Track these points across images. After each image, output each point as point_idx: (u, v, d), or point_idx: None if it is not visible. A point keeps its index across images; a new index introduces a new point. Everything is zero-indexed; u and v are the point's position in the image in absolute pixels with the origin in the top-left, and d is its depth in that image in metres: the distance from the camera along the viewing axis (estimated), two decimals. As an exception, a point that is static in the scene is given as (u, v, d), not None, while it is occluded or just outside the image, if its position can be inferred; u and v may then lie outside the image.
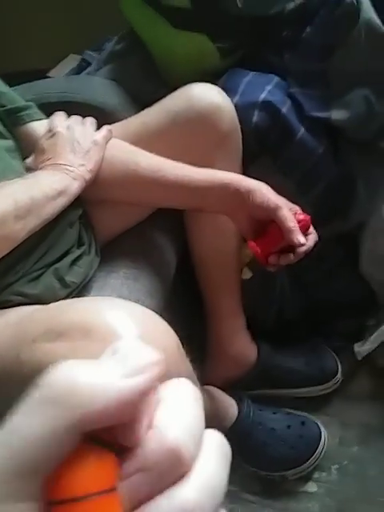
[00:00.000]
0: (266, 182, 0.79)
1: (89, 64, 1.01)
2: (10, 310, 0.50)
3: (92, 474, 0.14)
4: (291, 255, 0.59)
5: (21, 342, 0.43)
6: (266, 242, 0.59)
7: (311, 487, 0.72)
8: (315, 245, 0.63)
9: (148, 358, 0.15)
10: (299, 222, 0.58)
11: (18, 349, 0.43)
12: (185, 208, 0.69)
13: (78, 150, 0.58)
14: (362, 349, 0.85)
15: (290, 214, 0.57)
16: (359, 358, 0.83)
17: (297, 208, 0.61)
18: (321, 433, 0.74)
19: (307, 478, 0.73)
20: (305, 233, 0.59)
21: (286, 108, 0.75)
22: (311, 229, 0.61)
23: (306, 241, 0.58)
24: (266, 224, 0.59)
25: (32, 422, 0.13)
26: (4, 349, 0.44)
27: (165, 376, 0.16)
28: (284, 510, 0.70)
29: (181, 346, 0.46)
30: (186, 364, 0.47)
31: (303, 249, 0.58)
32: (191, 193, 0.59)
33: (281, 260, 0.59)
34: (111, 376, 0.14)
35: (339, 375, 0.82)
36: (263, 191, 0.58)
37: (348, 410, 0.80)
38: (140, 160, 0.60)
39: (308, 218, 0.59)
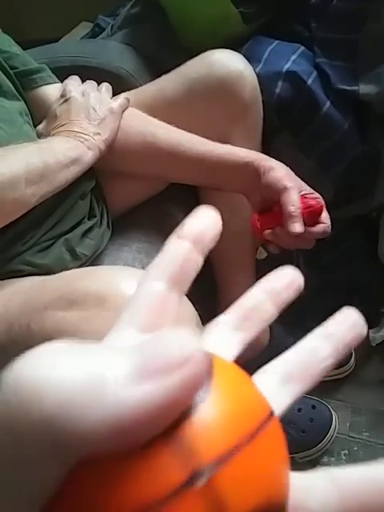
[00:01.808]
0: (286, 159, 0.76)
1: (103, 29, 0.96)
2: (21, 278, 0.48)
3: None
4: (287, 238, 0.54)
5: (32, 310, 0.41)
6: (267, 218, 0.56)
7: (320, 471, 0.72)
8: (331, 230, 0.58)
9: (178, 348, 0.10)
10: (307, 207, 0.54)
11: (28, 317, 0.41)
12: (202, 186, 0.67)
13: (93, 117, 0.55)
14: (377, 335, 0.83)
15: (295, 198, 0.52)
16: (373, 345, 0.82)
17: (313, 193, 0.56)
18: (332, 417, 0.73)
19: (316, 462, 0.72)
20: (313, 220, 0.55)
21: (311, 79, 0.71)
22: (324, 216, 0.56)
23: (301, 230, 0.52)
24: (275, 203, 0.56)
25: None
26: (13, 317, 0.43)
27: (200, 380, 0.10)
28: (291, 493, 0.69)
29: (200, 320, 0.44)
30: None
31: (296, 238, 0.53)
32: (210, 170, 0.57)
33: (275, 239, 0.55)
34: (111, 378, 0.09)
35: (352, 360, 0.81)
36: (278, 171, 0.54)
37: (359, 395, 0.79)
38: (159, 132, 0.57)
39: (319, 205, 0.54)
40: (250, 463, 0.11)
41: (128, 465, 0.10)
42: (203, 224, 0.15)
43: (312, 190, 0.57)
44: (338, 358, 0.15)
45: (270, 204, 0.57)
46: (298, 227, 0.51)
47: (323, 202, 0.55)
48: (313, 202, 0.54)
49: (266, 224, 0.57)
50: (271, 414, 0.13)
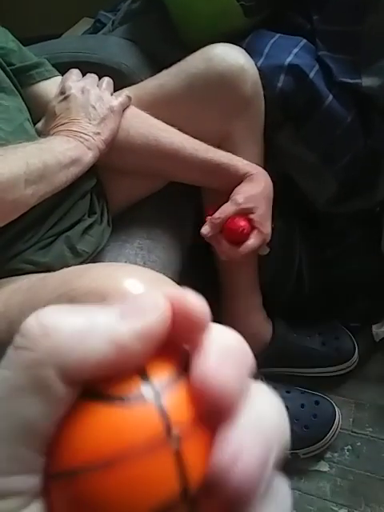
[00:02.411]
0: (289, 153, 0.75)
1: (104, 25, 0.95)
2: (21, 276, 0.48)
3: (103, 436, 0.12)
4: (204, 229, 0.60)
5: (32, 308, 0.41)
6: (213, 208, 0.60)
7: (323, 467, 0.72)
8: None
9: (151, 300, 0.13)
10: (233, 221, 0.59)
11: (28, 315, 0.41)
12: (201, 186, 0.68)
13: (94, 116, 0.55)
14: (380, 330, 0.83)
15: (227, 211, 0.58)
16: (377, 340, 0.81)
17: (261, 228, 0.60)
18: (335, 413, 0.73)
19: (319, 458, 0.72)
20: (234, 239, 0.59)
21: (313, 72, 0.70)
22: (245, 245, 0.59)
23: (205, 233, 0.59)
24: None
25: (9, 373, 0.12)
26: (14, 315, 0.42)
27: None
28: (295, 489, 0.69)
29: None
30: None
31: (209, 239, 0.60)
32: (210, 175, 0.59)
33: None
34: (102, 317, 0.12)
35: (355, 356, 0.80)
36: (250, 187, 0.59)
37: (363, 391, 0.79)
38: (161, 136, 0.58)
39: (245, 228, 0.58)
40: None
41: (116, 411, 0.12)
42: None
43: (265, 226, 0.60)
44: None
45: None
46: (204, 230, 0.59)
47: (248, 229, 0.59)
48: (242, 223, 0.58)
49: (208, 211, 0.62)
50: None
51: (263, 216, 0.59)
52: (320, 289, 0.85)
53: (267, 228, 0.60)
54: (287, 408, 0.72)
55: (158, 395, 0.12)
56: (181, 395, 0.12)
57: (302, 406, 0.73)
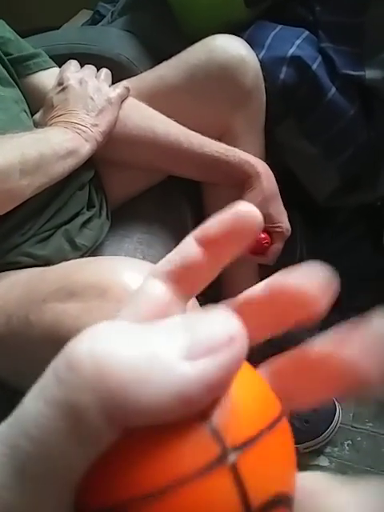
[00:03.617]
0: (291, 146, 0.74)
1: (103, 16, 0.94)
2: (20, 270, 0.48)
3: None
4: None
5: (30, 302, 0.41)
6: None
7: (323, 461, 0.72)
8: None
9: (223, 328, 0.11)
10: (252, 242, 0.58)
11: (27, 309, 0.41)
12: (200, 180, 0.67)
13: (91, 107, 0.54)
14: (381, 325, 0.83)
15: None
16: (378, 335, 0.81)
17: (277, 228, 0.60)
18: (335, 407, 0.73)
19: (319, 452, 0.72)
20: (253, 248, 0.60)
21: (316, 64, 0.69)
22: (270, 250, 0.60)
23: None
24: None
25: (47, 411, 0.10)
26: (12, 309, 0.42)
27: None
28: (294, 483, 0.70)
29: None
30: None
31: None
32: (207, 168, 0.57)
33: None
34: (166, 355, 0.10)
35: (356, 351, 0.80)
36: (254, 196, 0.57)
37: (363, 386, 0.79)
38: (158, 128, 0.57)
39: (264, 240, 0.59)
40: (270, 451, 0.12)
41: (167, 436, 0.11)
42: (216, 230, 0.15)
43: (281, 221, 0.59)
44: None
45: None
46: None
47: (269, 242, 0.59)
48: (262, 235, 0.59)
49: None
50: (283, 411, 0.13)
51: (277, 214, 0.59)
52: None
53: (286, 223, 0.60)
54: (287, 403, 0.72)
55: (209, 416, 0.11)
56: (235, 412, 0.11)
57: (303, 400, 0.73)
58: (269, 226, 0.59)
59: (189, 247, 0.14)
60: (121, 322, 0.11)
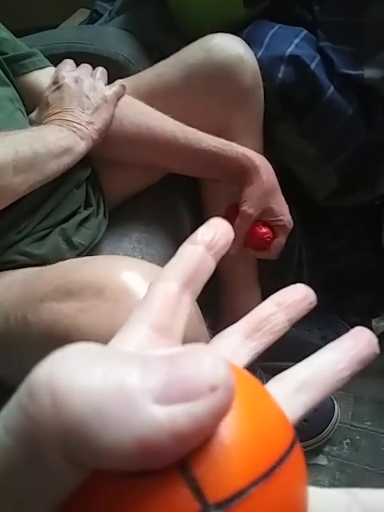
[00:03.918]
0: (289, 146, 0.74)
1: (100, 15, 0.94)
2: (17, 269, 0.48)
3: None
4: (233, 245, 0.61)
5: (28, 302, 0.41)
6: (231, 215, 0.59)
7: (322, 460, 0.72)
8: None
9: (207, 374, 0.09)
10: (253, 232, 0.58)
11: (24, 308, 0.40)
12: (198, 177, 0.66)
13: (87, 105, 0.54)
14: (379, 325, 0.83)
15: (243, 226, 0.57)
16: (377, 334, 0.81)
17: (279, 221, 0.59)
18: (334, 406, 0.73)
19: (318, 451, 0.72)
20: (256, 244, 0.60)
21: (314, 64, 0.69)
22: (272, 245, 0.60)
23: (233, 253, 0.63)
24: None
25: (8, 441, 0.09)
26: (10, 308, 0.42)
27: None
28: (293, 482, 0.70)
29: (200, 311, 0.43)
30: (204, 331, 0.45)
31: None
32: (204, 164, 0.57)
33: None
34: (135, 392, 0.09)
35: (355, 350, 0.80)
36: (253, 191, 0.56)
37: (362, 385, 0.79)
38: (153, 124, 0.56)
39: (266, 235, 0.59)
40: (266, 503, 0.10)
41: (141, 486, 0.09)
42: (216, 231, 0.16)
43: (282, 214, 0.59)
44: (353, 373, 0.16)
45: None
46: (231, 249, 0.59)
47: (272, 237, 0.59)
48: (263, 230, 0.58)
49: (227, 220, 0.59)
50: (295, 438, 0.12)
51: (278, 207, 0.58)
52: (320, 283, 0.85)
53: (287, 216, 0.59)
54: (286, 402, 0.72)
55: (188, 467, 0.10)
56: (222, 461, 0.10)
57: (301, 400, 0.72)
58: (270, 220, 0.58)
59: (190, 251, 0.15)
60: (92, 346, 0.10)
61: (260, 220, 0.58)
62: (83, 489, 0.10)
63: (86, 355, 0.10)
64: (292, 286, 0.17)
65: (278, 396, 0.13)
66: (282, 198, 0.59)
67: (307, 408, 0.14)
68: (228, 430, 0.10)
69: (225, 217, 0.66)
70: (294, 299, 0.17)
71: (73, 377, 0.09)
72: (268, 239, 0.58)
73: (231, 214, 0.60)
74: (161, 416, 0.09)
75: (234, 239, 0.60)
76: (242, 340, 0.16)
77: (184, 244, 0.16)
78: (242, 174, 0.56)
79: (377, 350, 0.16)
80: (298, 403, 0.14)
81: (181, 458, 0.10)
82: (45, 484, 0.09)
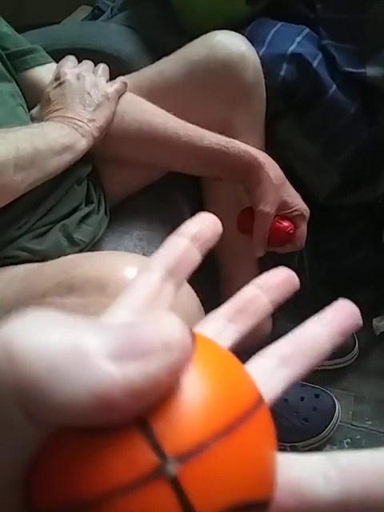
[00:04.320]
0: (290, 144, 0.74)
1: (102, 12, 0.94)
2: (17, 265, 0.48)
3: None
4: (256, 251, 0.60)
5: (29, 297, 0.41)
6: (249, 222, 0.59)
7: (322, 460, 0.72)
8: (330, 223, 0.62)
9: (162, 333, 0.10)
10: (276, 228, 0.58)
11: (26, 304, 0.40)
12: (200, 175, 0.66)
13: (89, 102, 0.54)
14: (380, 324, 0.82)
15: (265, 227, 0.57)
16: (377, 333, 0.81)
17: (294, 209, 0.59)
18: (335, 406, 0.73)
19: (318, 451, 0.72)
20: (281, 242, 0.59)
21: (317, 62, 0.69)
22: (296, 235, 0.60)
23: (260, 255, 0.59)
24: None
25: None
26: (10, 304, 0.42)
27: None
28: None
29: (202, 307, 0.43)
30: None
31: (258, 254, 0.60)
32: (207, 162, 0.56)
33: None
34: (89, 350, 0.09)
35: (356, 350, 0.80)
36: (263, 189, 0.56)
37: (363, 384, 0.79)
38: (155, 121, 0.56)
39: (288, 233, 0.59)
40: (226, 458, 0.10)
41: (100, 442, 0.10)
42: (202, 224, 0.16)
43: (297, 204, 0.59)
44: (334, 344, 0.16)
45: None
46: (258, 252, 0.59)
47: (294, 226, 0.59)
48: (285, 224, 0.58)
49: (244, 226, 0.61)
50: (259, 400, 0.12)
51: (291, 198, 0.58)
52: (321, 281, 0.85)
53: (302, 204, 0.59)
54: (286, 401, 0.72)
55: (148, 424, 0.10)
56: (180, 416, 0.10)
57: (302, 398, 0.72)
58: (287, 213, 0.58)
59: (174, 242, 0.15)
60: (52, 313, 0.10)
61: (277, 215, 0.58)
62: (47, 448, 0.10)
63: (43, 319, 0.10)
64: (274, 270, 0.18)
65: (260, 371, 0.14)
66: (292, 189, 0.59)
67: (290, 382, 0.15)
68: (187, 388, 0.10)
69: (239, 223, 0.64)
70: (275, 281, 0.17)
71: (29, 336, 0.09)
72: (291, 231, 0.58)
73: (245, 219, 0.60)
74: (114, 372, 0.09)
75: (257, 242, 0.59)
76: (224, 323, 0.16)
77: (170, 236, 0.16)
78: (245, 171, 0.56)
79: (360, 321, 0.16)
80: (280, 378, 0.15)
81: (139, 414, 0.10)
82: (8, 443, 0.10)
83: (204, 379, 0.11)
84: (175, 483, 0.10)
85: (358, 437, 0.73)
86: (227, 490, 0.10)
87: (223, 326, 0.16)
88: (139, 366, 0.09)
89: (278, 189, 0.56)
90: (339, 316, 0.16)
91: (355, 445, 0.73)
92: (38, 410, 0.09)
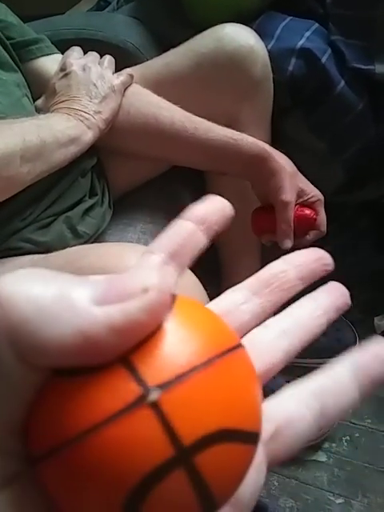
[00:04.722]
0: (297, 140, 0.74)
1: (108, 3, 0.93)
2: (21, 256, 0.47)
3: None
4: (285, 243, 0.57)
5: None
6: (264, 219, 0.58)
7: (321, 457, 0.72)
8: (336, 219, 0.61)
9: (140, 279, 0.11)
10: (300, 217, 0.57)
11: None
12: (206, 170, 0.65)
13: (95, 94, 0.53)
14: (382, 322, 0.82)
15: (289, 215, 0.55)
16: (378, 332, 0.81)
17: (312, 196, 0.58)
18: (334, 404, 0.72)
19: (317, 448, 0.72)
20: (305, 230, 0.58)
21: (325, 57, 0.68)
22: (318, 222, 0.58)
23: (290, 246, 0.56)
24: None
25: None
26: None
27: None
28: (292, 478, 0.69)
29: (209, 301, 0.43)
30: None
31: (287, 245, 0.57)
32: (213, 156, 0.55)
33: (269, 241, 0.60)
34: (75, 296, 0.10)
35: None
36: (279, 179, 0.55)
37: (363, 383, 0.79)
38: (161, 114, 0.55)
39: (312, 218, 0.57)
40: (204, 388, 0.11)
41: (87, 380, 0.11)
42: (208, 207, 0.16)
43: (312, 190, 0.58)
44: (329, 319, 0.16)
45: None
46: (287, 244, 0.56)
47: (316, 213, 0.58)
48: (307, 212, 0.57)
49: (262, 225, 0.59)
50: (238, 345, 0.13)
51: (306, 186, 0.58)
52: (323, 279, 0.84)
53: (315, 190, 0.59)
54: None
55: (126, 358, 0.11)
56: (159, 352, 0.11)
57: (302, 396, 0.72)
58: (306, 200, 0.58)
59: (178, 226, 0.15)
60: (42, 270, 0.11)
61: (296, 204, 0.57)
62: (40, 396, 0.11)
63: (33, 273, 0.11)
64: (306, 249, 0.17)
65: (260, 340, 0.15)
66: (303, 176, 0.59)
67: (288, 354, 0.15)
68: (168, 331, 0.12)
69: (255, 225, 0.63)
70: (306, 258, 0.17)
71: (18, 285, 0.10)
72: (315, 217, 0.57)
73: (260, 219, 0.59)
74: (98, 313, 0.10)
75: (284, 233, 0.58)
76: (247, 296, 0.16)
77: (175, 219, 0.16)
78: (256, 164, 0.54)
79: (349, 301, 0.17)
80: (278, 348, 0.15)
81: (123, 354, 0.11)
82: (5, 390, 0.10)
83: (184, 324, 0.12)
84: (157, 408, 0.11)
85: (357, 435, 0.73)
86: (207, 417, 0.11)
87: (245, 298, 0.16)
88: (120, 307, 0.10)
89: (293, 176, 0.56)
90: (333, 294, 0.17)
91: (354, 443, 0.73)
92: (29, 351, 0.10)
